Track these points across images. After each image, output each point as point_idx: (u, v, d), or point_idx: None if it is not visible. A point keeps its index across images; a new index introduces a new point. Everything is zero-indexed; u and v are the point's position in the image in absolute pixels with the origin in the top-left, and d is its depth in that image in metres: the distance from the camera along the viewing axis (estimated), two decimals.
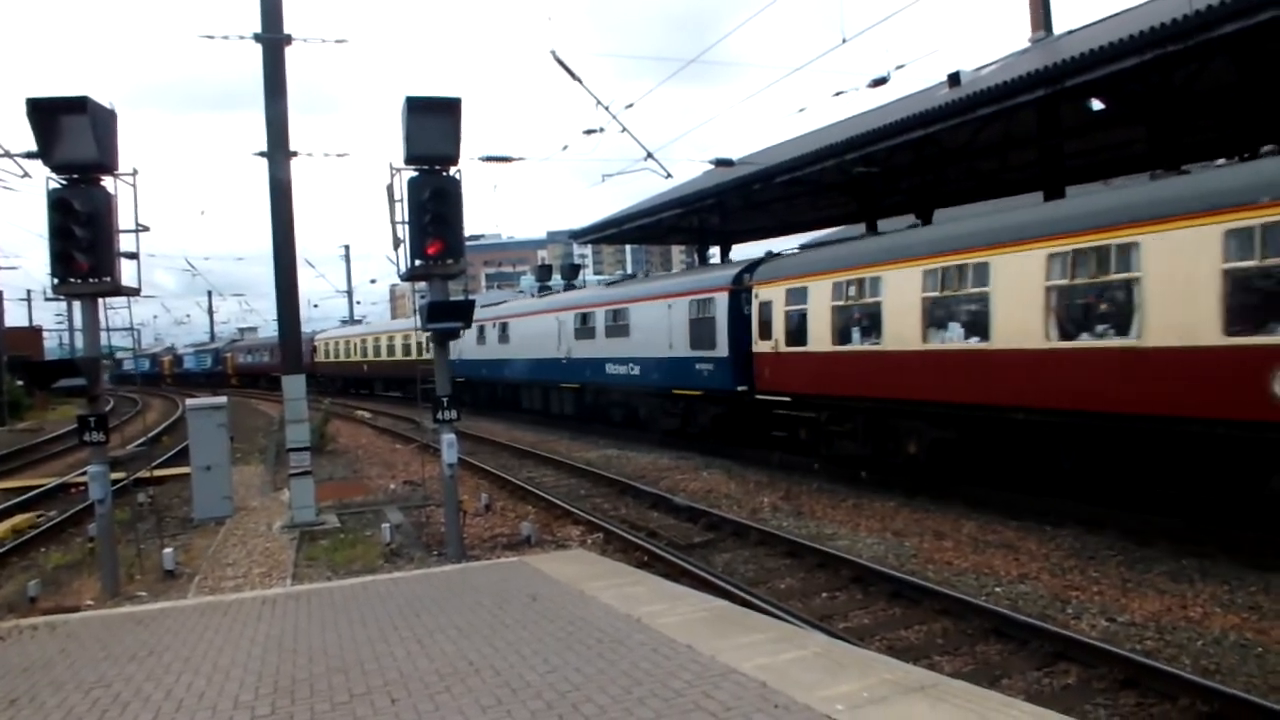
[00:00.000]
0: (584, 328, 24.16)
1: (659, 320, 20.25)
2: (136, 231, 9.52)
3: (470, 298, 13.10)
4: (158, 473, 16.83)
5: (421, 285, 11.12)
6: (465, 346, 30.58)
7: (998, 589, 8.76)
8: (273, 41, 12.33)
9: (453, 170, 9.99)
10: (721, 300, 18.05)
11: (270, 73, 12.38)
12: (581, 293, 26.92)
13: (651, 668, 5.44)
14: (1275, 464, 8.75)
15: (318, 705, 5.14)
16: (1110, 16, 17.11)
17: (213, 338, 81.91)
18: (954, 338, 12.37)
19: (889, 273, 13.45)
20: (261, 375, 59.02)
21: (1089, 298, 10.53)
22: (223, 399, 15.28)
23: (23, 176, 11.11)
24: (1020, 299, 11.16)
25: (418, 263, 9.93)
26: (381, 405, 38.31)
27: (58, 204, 8.94)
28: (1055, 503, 11.50)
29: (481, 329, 30.31)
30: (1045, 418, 11.00)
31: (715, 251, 29.52)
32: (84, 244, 8.96)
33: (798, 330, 15.65)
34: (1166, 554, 9.54)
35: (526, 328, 27.35)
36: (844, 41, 15.09)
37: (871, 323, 13.90)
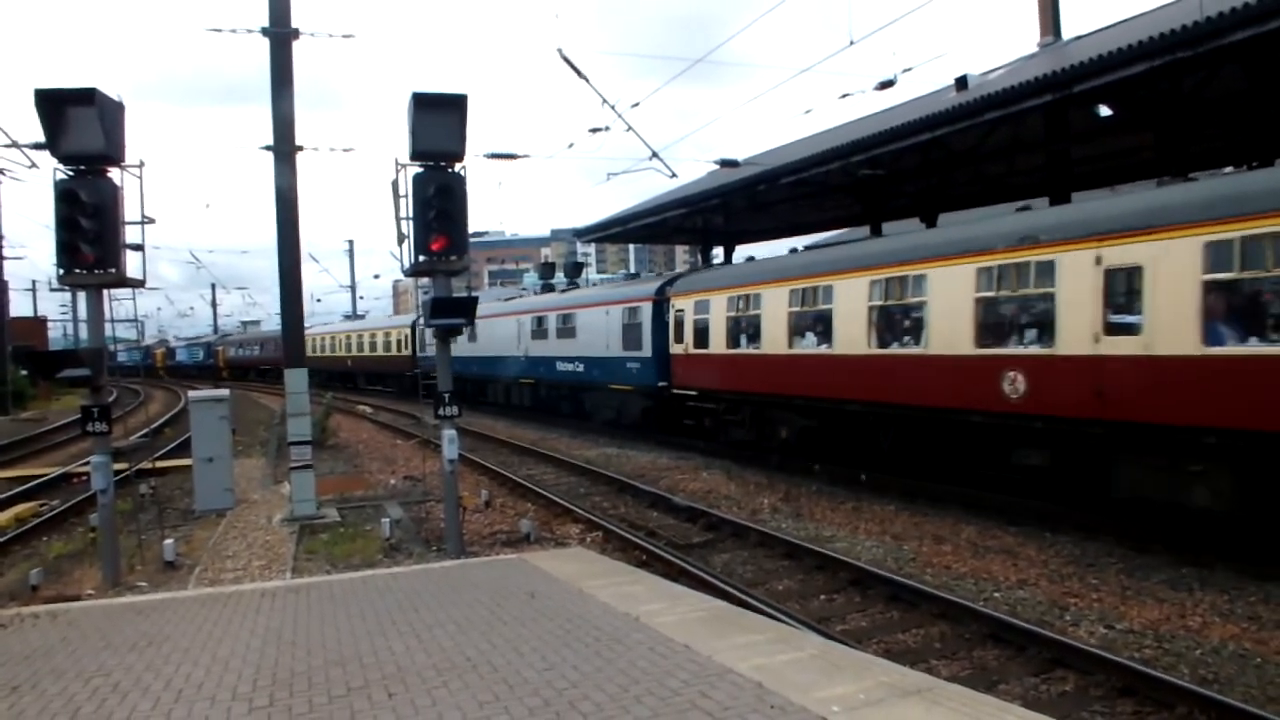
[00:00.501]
0: (539, 329, 26.92)
1: (600, 325, 23.08)
2: (142, 223, 9.52)
3: (474, 294, 13.12)
4: (160, 464, 16.88)
5: (425, 281, 11.13)
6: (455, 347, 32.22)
7: (996, 594, 8.75)
8: (280, 35, 12.34)
9: (458, 167, 9.99)
10: (646, 309, 21.04)
11: (277, 67, 12.40)
12: (538, 298, 29.27)
13: (649, 666, 5.45)
14: (1010, 442, 11.80)
15: (315, 698, 5.15)
16: (1120, 22, 17.08)
17: (216, 330, 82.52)
18: (809, 345, 15.48)
19: (766, 290, 16.65)
20: (251, 368, 61.92)
21: (896, 315, 13.68)
22: (225, 392, 15.32)
23: (30, 167, 11.18)
24: (852, 314, 14.32)
25: (421, 258, 9.94)
26: (383, 400, 38.38)
27: (64, 195, 8.95)
28: (1055, 509, 11.49)
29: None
30: (870, 408, 14.16)
31: (719, 252, 29.50)
32: (90, 235, 8.98)
33: (702, 336, 18.72)
34: (1166, 562, 9.53)
35: (492, 329, 29.41)
36: (851, 43, 15.06)
37: (755, 330, 16.93)
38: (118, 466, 10.47)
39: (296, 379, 12.87)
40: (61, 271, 9.13)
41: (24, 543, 12.12)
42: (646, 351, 20.97)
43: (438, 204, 9.77)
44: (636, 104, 18.81)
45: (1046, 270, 10.96)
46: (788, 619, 7.70)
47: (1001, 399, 11.51)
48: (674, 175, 18.72)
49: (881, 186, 19.61)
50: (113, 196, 9.21)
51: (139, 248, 9.55)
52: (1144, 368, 9.82)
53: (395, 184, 9.99)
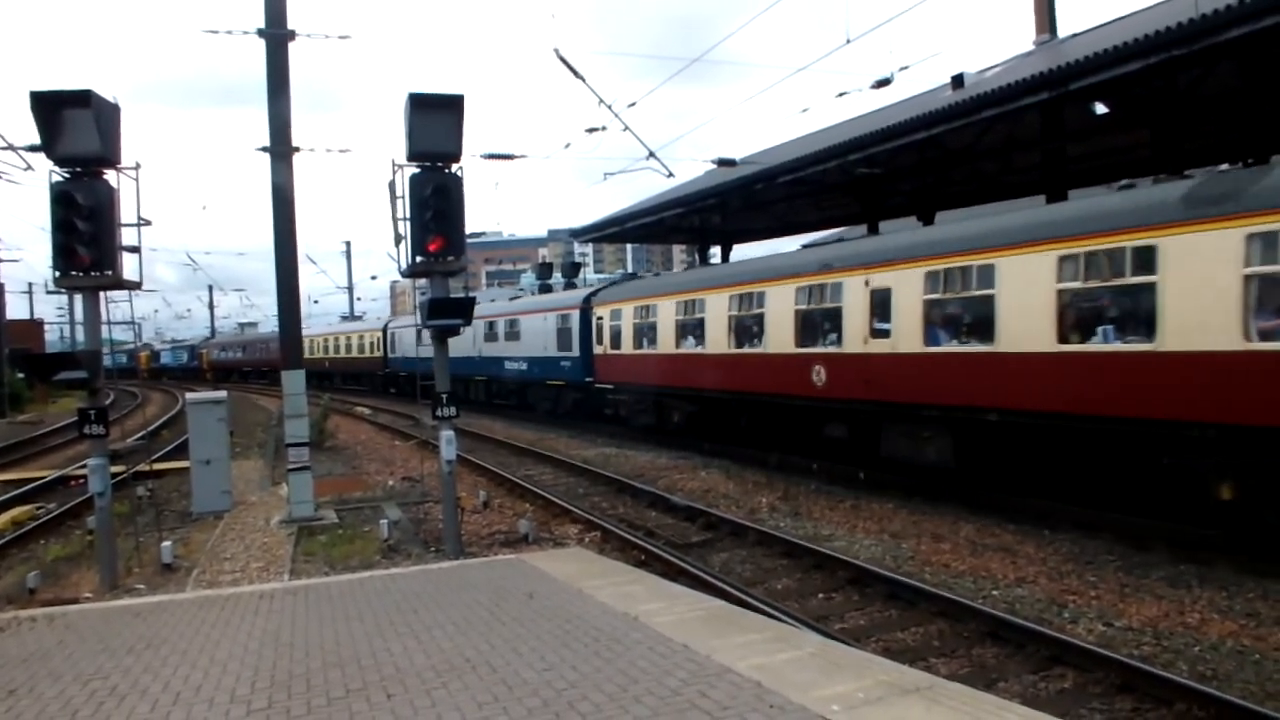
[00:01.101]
0: (491, 333, 30.73)
1: (539, 329, 26.83)
2: (138, 225, 9.52)
3: (472, 295, 13.12)
4: (157, 466, 16.85)
5: (422, 282, 11.13)
6: (407, 346, 37.92)
7: (995, 592, 8.76)
8: (276, 37, 12.32)
9: (454, 167, 9.99)
10: (575, 315, 24.76)
11: (273, 68, 12.38)
12: (491, 305, 33.25)
13: (648, 666, 5.45)
14: (822, 421, 15.38)
15: (314, 700, 5.15)
16: (1115, 20, 17.10)
17: (213, 333, 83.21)
18: (690, 346, 19.24)
19: (660, 301, 20.59)
20: (234, 370, 64.95)
21: (746, 322, 17.20)
22: (223, 393, 15.29)
23: (26, 169, 11.13)
24: (717, 321, 18.10)
25: (419, 259, 9.94)
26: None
27: (60, 197, 8.94)
28: (1053, 506, 11.51)
29: (418, 332, 36.67)
30: (732, 396, 17.82)
31: (716, 252, 29.51)
32: (86, 237, 8.96)
33: (616, 339, 22.50)
34: (1164, 559, 9.54)
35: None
36: (848, 42, 15.09)
37: (653, 334, 20.82)
38: (115, 469, 10.46)
39: (294, 380, 12.85)
40: (58, 274, 9.12)
41: (21, 546, 12.09)
42: (575, 352, 24.77)
43: (435, 204, 9.77)
44: (633, 104, 18.85)
45: (838, 289, 14.54)
46: (786, 618, 7.70)
47: (812, 386, 15.27)
48: (671, 175, 18.76)
49: (878, 185, 19.63)
50: (109, 199, 9.19)
51: (135, 250, 9.54)
52: (891, 362, 13.48)
53: (392, 185, 9.99)
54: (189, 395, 16.87)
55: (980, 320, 11.93)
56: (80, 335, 11.20)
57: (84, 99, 8.76)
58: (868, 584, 9.13)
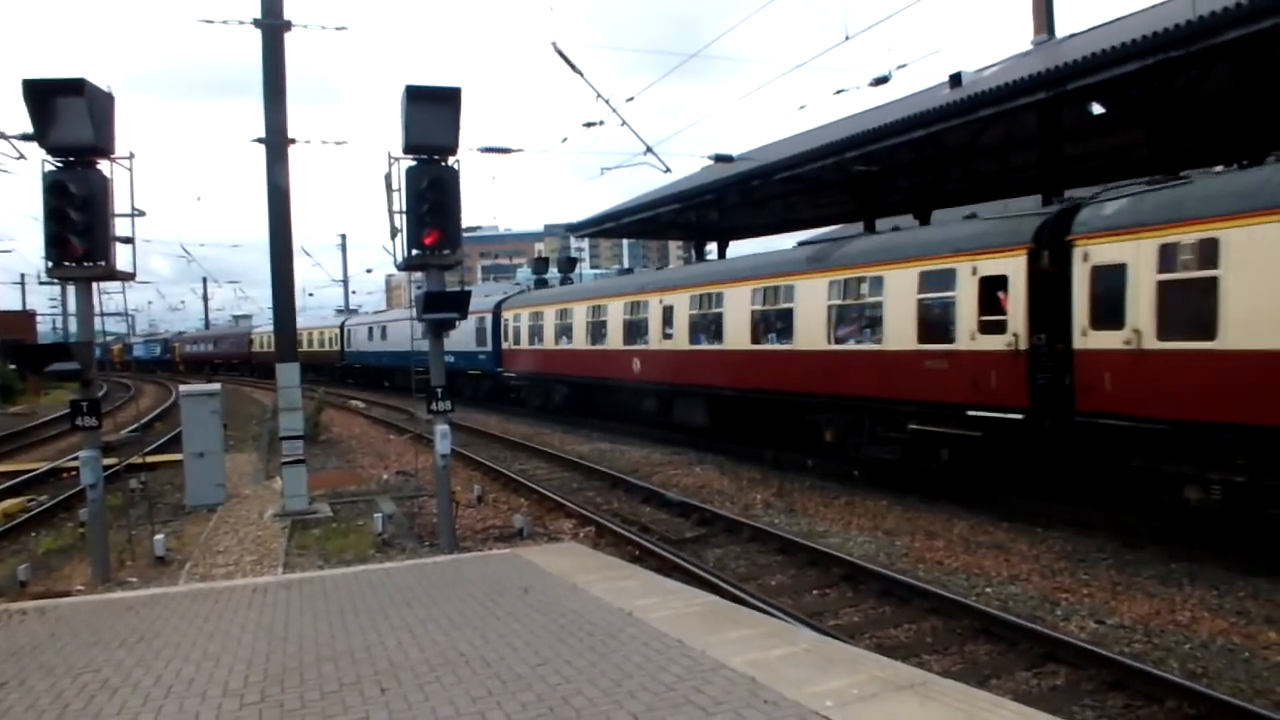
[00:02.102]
0: (428, 330, 33.99)
1: (465, 327, 33.91)
2: (132, 216, 9.47)
3: (467, 288, 13.10)
4: (150, 459, 16.80)
5: (418, 275, 11.10)
6: (361, 341, 45.43)
7: (988, 589, 8.79)
8: (272, 27, 12.26)
9: (451, 160, 9.97)
10: (489, 317, 30.25)
11: (270, 59, 12.31)
12: None
13: (642, 661, 5.45)
14: (641, 398, 21.06)
15: (307, 693, 5.14)
16: (1113, 21, 17.11)
17: (207, 325, 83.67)
18: (564, 343, 24.86)
19: (546, 309, 26.35)
20: (205, 363, 68.90)
21: (598, 328, 22.83)
22: (216, 386, 15.24)
23: (18, 158, 11.06)
24: (581, 325, 23.77)
25: (414, 252, 9.92)
26: (376, 395, 38.43)
27: (53, 187, 8.88)
28: (1046, 504, 11.54)
29: (370, 329, 44.24)
30: (591, 381, 23.74)
31: (712, 248, 29.49)
32: (79, 228, 8.91)
33: (518, 337, 28.23)
34: (1156, 557, 9.58)
35: (394, 330, 38.83)
36: (847, 39, 15.09)
37: (540, 333, 26.50)
38: (107, 461, 10.41)
39: (288, 373, 12.81)
40: (50, 264, 9.06)
41: (12, 538, 12.04)
42: (489, 348, 30.57)
43: (431, 198, 9.75)
44: (631, 98, 18.77)
45: (644, 305, 20.65)
46: (781, 614, 7.71)
47: (633, 373, 21.06)
48: (668, 170, 18.74)
49: (875, 183, 19.62)
50: (102, 189, 9.14)
51: (129, 241, 9.50)
52: (675, 356, 19.26)
53: (388, 177, 9.96)
54: (183, 388, 16.82)
55: (717, 327, 17.88)
56: (73, 327, 11.13)
57: (77, 87, 8.70)
58: (862, 580, 9.15)
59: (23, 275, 61.32)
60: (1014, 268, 11.37)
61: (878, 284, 13.60)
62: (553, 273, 31.78)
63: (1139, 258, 9.86)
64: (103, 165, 9.22)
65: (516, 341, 28.28)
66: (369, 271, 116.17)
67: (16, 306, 58.36)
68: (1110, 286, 10.19)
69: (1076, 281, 10.57)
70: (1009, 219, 12.34)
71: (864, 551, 10.29)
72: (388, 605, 7.05)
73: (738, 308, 17.09)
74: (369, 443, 22.48)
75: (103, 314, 9.72)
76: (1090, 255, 10.45)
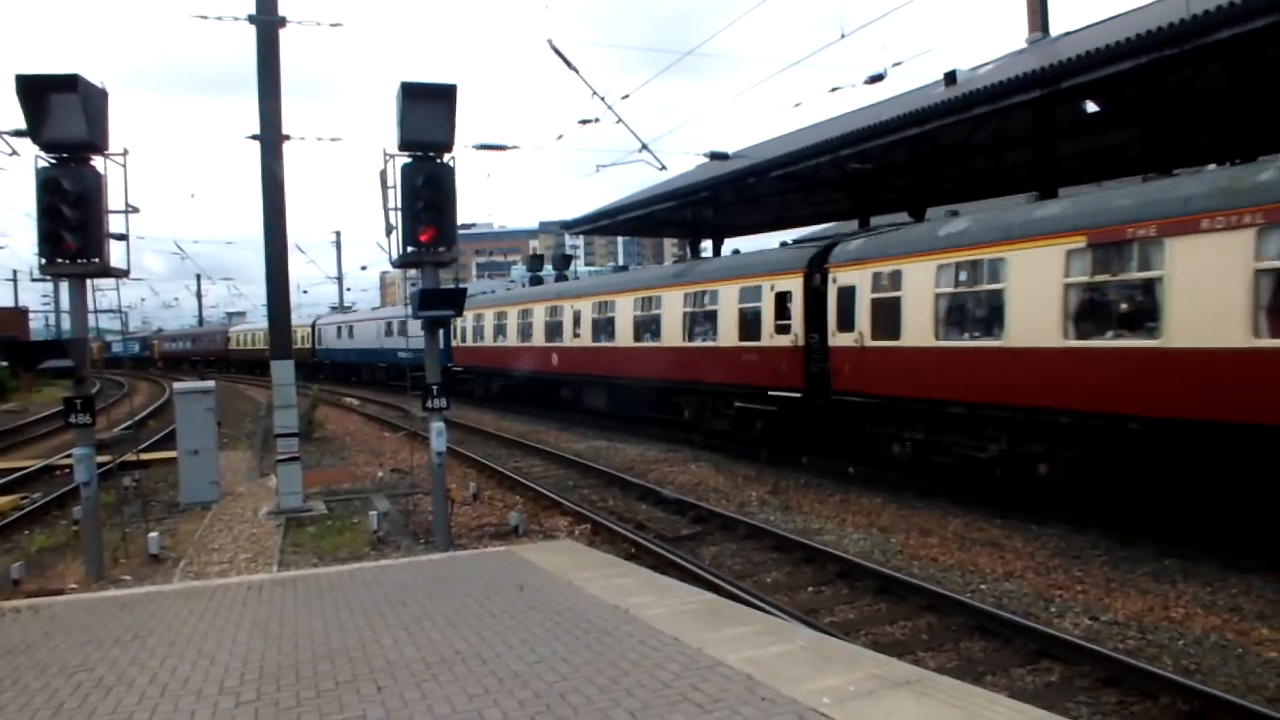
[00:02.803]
0: (388, 330, 40.77)
1: (414, 328, 34.44)
2: (126, 213, 9.43)
3: (463, 285, 13.10)
4: (144, 456, 16.73)
5: (413, 272, 11.08)
6: (331, 339, 49.95)
7: (983, 586, 8.81)
8: (267, 23, 12.21)
9: (446, 157, 9.94)
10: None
11: (264, 55, 12.26)
12: (386, 310, 45.10)
13: (639, 659, 5.45)
14: (559, 387, 25.81)
15: (303, 692, 5.13)
16: (1107, 19, 17.14)
17: (201, 322, 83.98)
18: (500, 341, 28.96)
19: (486, 311, 30.36)
20: (184, 360, 72.02)
21: (526, 328, 27.12)
22: (210, 383, 15.19)
23: (11, 155, 10.97)
24: (511, 326, 27.90)
25: (409, 249, 9.89)
26: (368, 392, 38.45)
27: (47, 183, 8.84)
28: (1041, 502, 11.58)
29: (339, 328, 49.09)
30: (520, 374, 27.69)
31: (708, 245, 29.48)
32: (72, 224, 8.87)
33: (464, 335, 32.42)
34: (1149, 554, 9.62)
35: (360, 329, 45.10)
36: (842, 36, 15.06)
37: (481, 332, 30.82)
38: (101, 458, 10.37)
39: (283, 370, 12.77)
40: (44, 261, 9.02)
41: (5, 536, 11.98)
42: (441, 345, 31.84)
43: (426, 195, 9.72)
44: (626, 96, 18.77)
45: (561, 310, 24.88)
46: (777, 611, 7.72)
47: (553, 366, 25.41)
48: (663, 168, 18.69)
49: (870, 180, 19.65)
50: (96, 185, 9.09)
51: (123, 237, 9.45)
52: (580, 352, 23.56)
53: (383, 174, 9.93)
54: (177, 385, 16.76)
55: (611, 329, 22.06)
56: (66, 323, 11.08)
57: (71, 83, 8.65)
58: (857, 578, 9.17)
59: (15, 272, 61.16)
60: (795, 286, 15.70)
61: (715, 296, 18.08)
62: (547, 270, 31.80)
63: (862, 282, 13.94)
64: (96, 161, 9.18)
65: (463, 340, 32.58)
66: (364, 269, 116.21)
67: (9, 303, 58.13)
68: (847, 301, 14.29)
69: (830, 297, 14.72)
70: (794, 250, 17.08)
71: (859, 549, 10.31)
72: (383, 603, 7.04)
73: (625, 313, 21.47)
74: (364, 440, 22.44)
75: (96, 311, 9.69)
76: (837, 279, 14.59)
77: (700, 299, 18.68)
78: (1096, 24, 17.42)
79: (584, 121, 17.90)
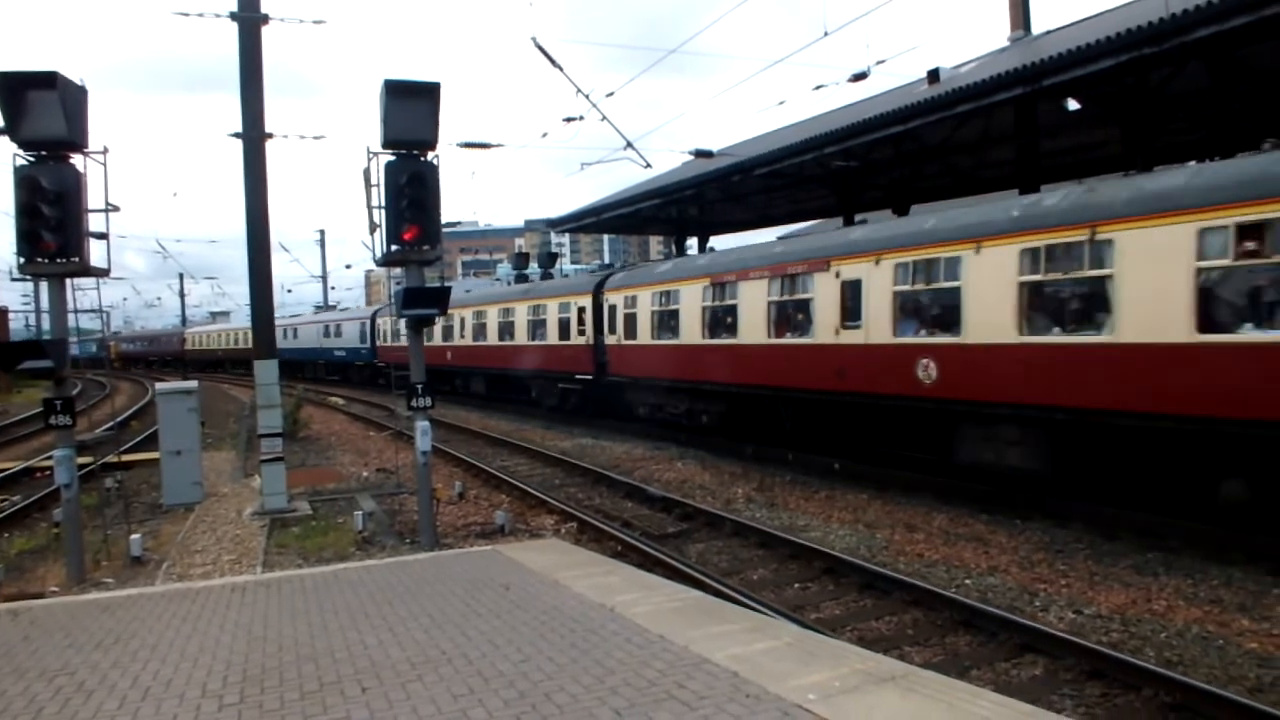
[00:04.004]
0: (326, 331, 48.11)
1: (351, 330, 45.07)
2: (106, 211, 9.34)
3: (447, 284, 13.05)
4: (126, 458, 16.58)
5: (397, 271, 11.02)
6: (277, 340, 52.12)
7: (967, 581, 8.86)
8: (249, 20, 12.11)
9: (430, 155, 9.91)
10: (368, 322, 42.49)
11: (246, 52, 12.16)
12: (326, 314, 52.43)
13: (625, 657, 5.45)
14: (468, 378, 32.09)
15: (287, 694, 5.09)
16: (1088, 18, 17.27)
17: (184, 321, 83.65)
18: (441, 341, 31.83)
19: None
20: (140, 360, 78.18)
21: (448, 330, 31.76)
22: (193, 383, 15.07)
23: None
24: (437, 327, 29.92)
25: (394, 248, 9.84)
26: (355, 392, 38.33)
27: (25, 181, 8.74)
28: (1025, 496, 11.65)
29: (284, 330, 52.34)
30: (442, 369, 31.29)
31: (693, 243, 29.50)
32: (52, 223, 8.78)
33: (386, 336, 38.72)
34: (1132, 548, 9.70)
35: (304, 331, 51.50)
36: (825, 34, 15.11)
37: (399, 335, 33.59)
38: (82, 460, 10.27)
39: (266, 370, 12.68)
40: (22, 260, 8.92)
41: None
42: (368, 345, 42.27)
43: (410, 193, 9.68)
44: (611, 94, 18.76)
45: (484, 314, 28.97)
46: (763, 608, 7.73)
47: (494, 361, 29.36)
48: (648, 165, 18.71)
49: (855, 178, 19.72)
50: (75, 183, 9.00)
51: (103, 236, 9.37)
52: (488, 350, 29.18)
53: (367, 172, 9.88)
54: (159, 385, 16.62)
55: (484, 331, 28.79)
56: (46, 324, 10.97)
57: (49, 80, 8.57)
58: (843, 574, 9.20)
59: None
60: (587, 303, 22.73)
61: (543, 309, 25.16)
62: (533, 268, 31.76)
63: (619, 302, 20.95)
64: (76, 160, 9.09)
65: (385, 340, 39.62)
66: (348, 267, 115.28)
67: None
68: (612, 314, 21.34)
69: (605, 311, 21.73)
70: (588, 277, 25.17)
71: (845, 545, 10.35)
72: (368, 603, 7.01)
73: (492, 319, 28.49)
74: (349, 440, 22.33)
75: (76, 310, 9.58)
76: (608, 298, 21.55)
77: (538, 310, 25.39)
78: (1077, 22, 17.55)
79: (569, 119, 17.90)
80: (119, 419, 26.53)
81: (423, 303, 10.08)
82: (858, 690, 4.82)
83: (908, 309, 12.53)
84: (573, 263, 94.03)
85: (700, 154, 18.85)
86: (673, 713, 4.58)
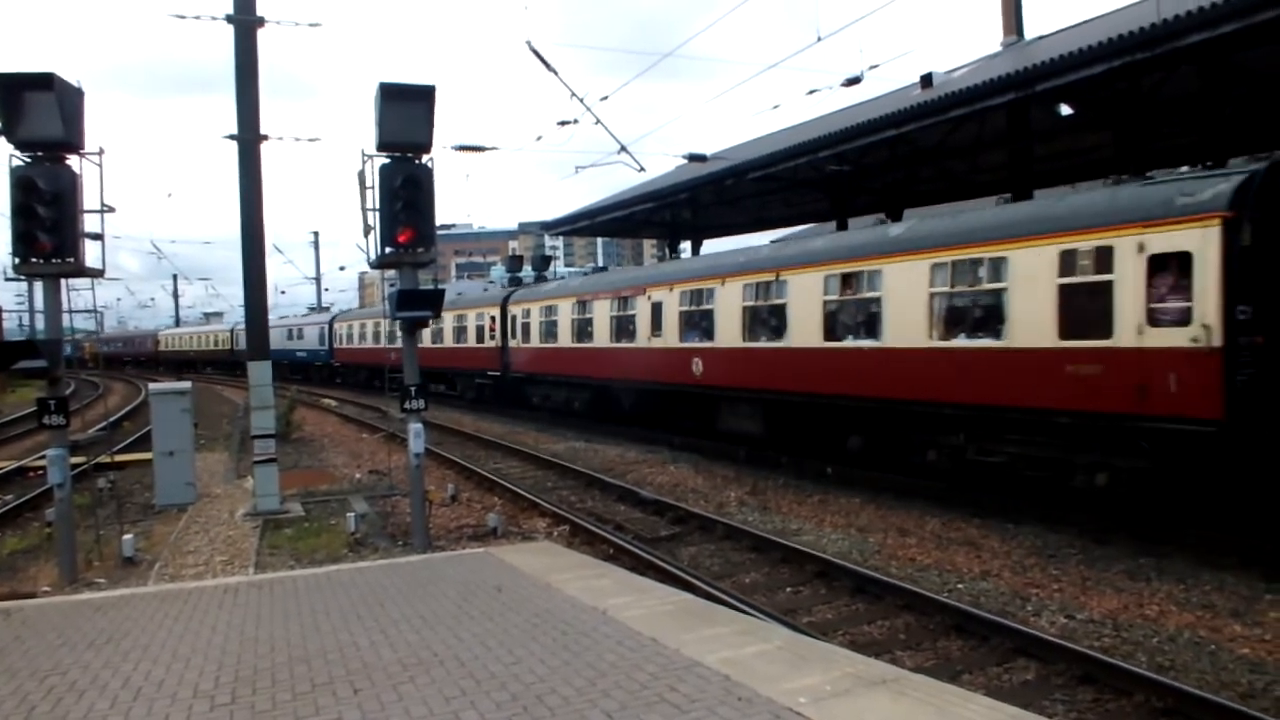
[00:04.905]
0: (290, 335, 51.15)
1: (311, 333, 49.21)
2: (101, 212, 9.34)
3: (441, 286, 13.06)
4: (119, 458, 16.54)
5: (391, 273, 11.04)
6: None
7: (960, 585, 8.89)
8: (245, 23, 12.12)
9: (425, 158, 9.92)
10: (326, 326, 46.35)
11: (242, 55, 12.17)
12: (289, 319, 55.70)
13: (616, 660, 5.46)
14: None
15: (279, 695, 5.09)
16: (1081, 23, 17.35)
17: (177, 322, 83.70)
18: (370, 344, 39.10)
19: (354, 321, 42.82)
20: (115, 360, 79.77)
21: (458, 330, 32.09)
22: (187, 384, 15.04)
23: None
24: (378, 332, 36.77)
25: (388, 250, 9.86)
26: (346, 393, 38.22)
27: (21, 182, 8.74)
28: (1018, 501, 11.69)
29: None
30: (377, 366, 34.95)
31: (686, 246, 29.52)
32: (47, 223, 8.78)
33: (342, 339, 43.61)
34: (1124, 552, 9.74)
35: (275, 332, 55.33)
36: (819, 39, 15.15)
37: (352, 337, 42.14)
38: (75, 460, 10.25)
39: (260, 371, 12.66)
40: (17, 260, 8.91)
41: None
42: (327, 346, 46.14)
43: (405, 196, 9.69)
44: (605, 98, 18.76)
45: (465, 317, 30.14)
46: (755, 611, 7.74)
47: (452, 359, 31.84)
48: (642, 169, 18.74)
49: (848, 182, 19.75)
50: (71, 184, 9.01)
51: (98, 237, 9.38)
52: (440, 352, 31.28)
53: (362, 175, 9.89)
54: (153, 385, 16.58)
55: (441, 335, 31.35)
56: (40, 324, 10.95)
57: (46, 82, 8.57)
58: (835, 578, 9.22)
59: None
60: (496, 313, 27.50)
61: (466, 317, 29.71)
62: (527, 270, 31.75)
63: (519, 312, 25.78)
64: (72, 161, 9.10)
65: (342, 343, 44.14)
66: (342, 269, 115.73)
67: None
68: (514, 323, 26.16)
69: (510, 320, 26.45)
70: (500, 290, 29.56)
71: (837, 549, 10.37)
72: (360, 605, 7.00)
73: (448, 325, 30.91)
74: (341, 441, 22.29)
75: (71, 311, 9.55)
76: (511, 310, 26.38)
77: (460, 319, 30.07)
78: (1070, 28, 17.63)
79: (563, 123, 17.92)
80: (112, 419, 26.44)
81: (417, 305, 10.09)
82: (849, 694, 4.83)
83: (688, 322, 17.75)
84: (567, 265, 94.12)
85: (693, 158, 18.90)
86: (664, 715, 4.59)
